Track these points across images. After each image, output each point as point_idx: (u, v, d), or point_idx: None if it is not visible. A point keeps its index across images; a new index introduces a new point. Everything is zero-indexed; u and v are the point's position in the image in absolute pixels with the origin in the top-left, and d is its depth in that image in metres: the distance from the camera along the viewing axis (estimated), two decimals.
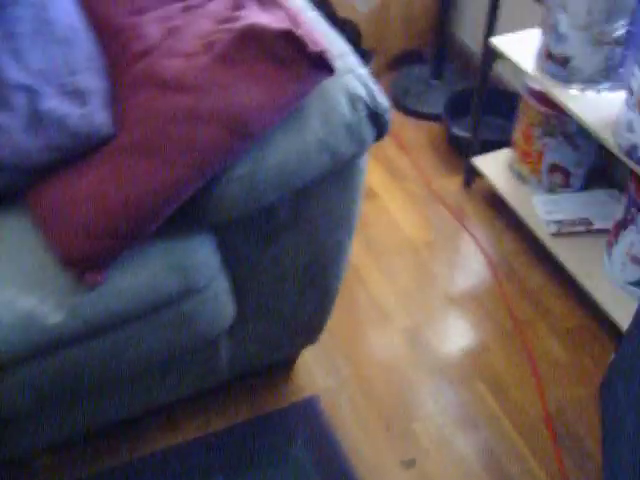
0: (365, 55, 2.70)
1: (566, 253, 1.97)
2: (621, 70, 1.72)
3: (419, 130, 2.58)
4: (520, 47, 1.94)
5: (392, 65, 2.80)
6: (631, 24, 1.62)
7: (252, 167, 1.20)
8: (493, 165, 2.23)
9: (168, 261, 1.24)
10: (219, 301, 1.36)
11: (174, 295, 1.27)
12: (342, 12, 2.69)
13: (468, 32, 2.71)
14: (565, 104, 1.76)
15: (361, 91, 1.28)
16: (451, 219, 2.25)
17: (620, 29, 1.63)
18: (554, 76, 1.80)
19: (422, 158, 2.46)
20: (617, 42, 1.66)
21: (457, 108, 2.48)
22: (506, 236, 2.19)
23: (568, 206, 2.06)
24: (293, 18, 1.23)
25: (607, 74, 1.73)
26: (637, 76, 1.50)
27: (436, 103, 2.60)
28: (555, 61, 1.77)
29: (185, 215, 1.25)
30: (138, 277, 1.23)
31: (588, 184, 2.13)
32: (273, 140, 1.21)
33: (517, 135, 2.12)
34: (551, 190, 2.11)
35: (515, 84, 2.46)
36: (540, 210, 2.06)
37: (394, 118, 2.60)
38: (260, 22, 1.20)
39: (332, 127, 1.24)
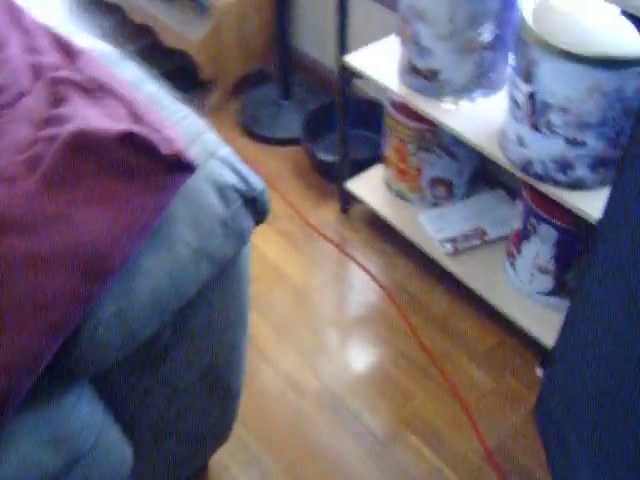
0: (204, 86, 2.47)
1: (466, 270, 1.84)
2: (492, 75, 1.58)
3: (279, 159, 2.36)
4: (379, 61, 1.76)
5: (236, 91, 2.56)
6: (498, 27, 1.48)
7: (121, 303, 0.96)
8: (369, 186, 2.06)
9: (40, 435, 0.99)
10: (112, 453, 1.12)
11: (56, 471, 1.02)
12: (170, 43, 2.45)
13: (312, 44, 2.51)
14: (441, 120, 1.60)
15: (229, 177, 1.06)
16: (336, 253, 2.06)
17: (487, 33, 1.48)
18: (422, 91, 1.64)
19: (290, 190, 2.25)
20: (485, 47, 1.51)
21: (315, 127, 2.29)
22: (398, 261, 2.02)
23: (457, 218, 1.92)
24: (131, 108, 1.01)
25: (478, 81, 1.59)
26: (521, 88, 1.35)
27: (291, 125, 2.40)
28: (421, 75, 1.61)
29: (51, 374, 1.00)
30: (5, 462, 0.97)
31: (471, 189, 2.00)
32: (140, 264, 0.98)
33: (389, 152, 1.95)
34: (435, 204, 1.96)
35: (378, 95, 2.28)
36: (429, 229, 1.91)
37: (248, 149, 2.39)
38: (91, 123, 0.96)
39: (205, 230, 1.03)
